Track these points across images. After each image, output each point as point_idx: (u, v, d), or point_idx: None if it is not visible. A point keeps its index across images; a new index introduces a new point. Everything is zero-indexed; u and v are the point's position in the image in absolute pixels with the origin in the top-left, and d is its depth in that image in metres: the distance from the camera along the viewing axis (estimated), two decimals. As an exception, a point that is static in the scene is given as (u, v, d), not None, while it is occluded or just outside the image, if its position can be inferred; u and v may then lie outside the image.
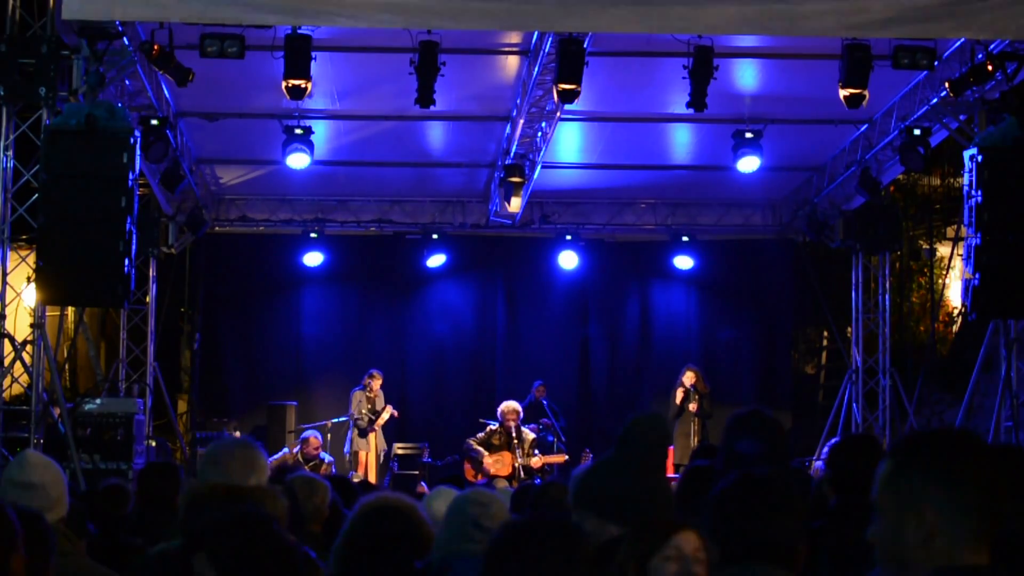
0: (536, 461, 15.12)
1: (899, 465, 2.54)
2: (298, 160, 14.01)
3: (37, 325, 11.05)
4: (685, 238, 17.97)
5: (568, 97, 11.57)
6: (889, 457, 2.57)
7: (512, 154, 14.80)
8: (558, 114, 13.35)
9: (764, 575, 3.02)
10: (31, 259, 11.03)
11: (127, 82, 12.28)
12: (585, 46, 11.27)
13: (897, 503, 2.50)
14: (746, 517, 3.09)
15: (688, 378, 16.00)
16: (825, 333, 21.22)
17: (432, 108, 11.75)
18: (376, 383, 16.18)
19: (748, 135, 14.00)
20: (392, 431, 16.68)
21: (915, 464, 2.52)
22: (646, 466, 3.72)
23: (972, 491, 2.47)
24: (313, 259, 17.76)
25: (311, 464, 14.89)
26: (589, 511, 3.62)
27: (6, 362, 11.16)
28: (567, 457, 15.72)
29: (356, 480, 14.74)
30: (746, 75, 13.26)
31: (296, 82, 11.30)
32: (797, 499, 3.15)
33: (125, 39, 10.94)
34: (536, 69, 12.08)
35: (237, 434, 16.22)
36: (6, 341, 11.14)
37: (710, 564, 3.12)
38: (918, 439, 2.57)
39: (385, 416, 16.12)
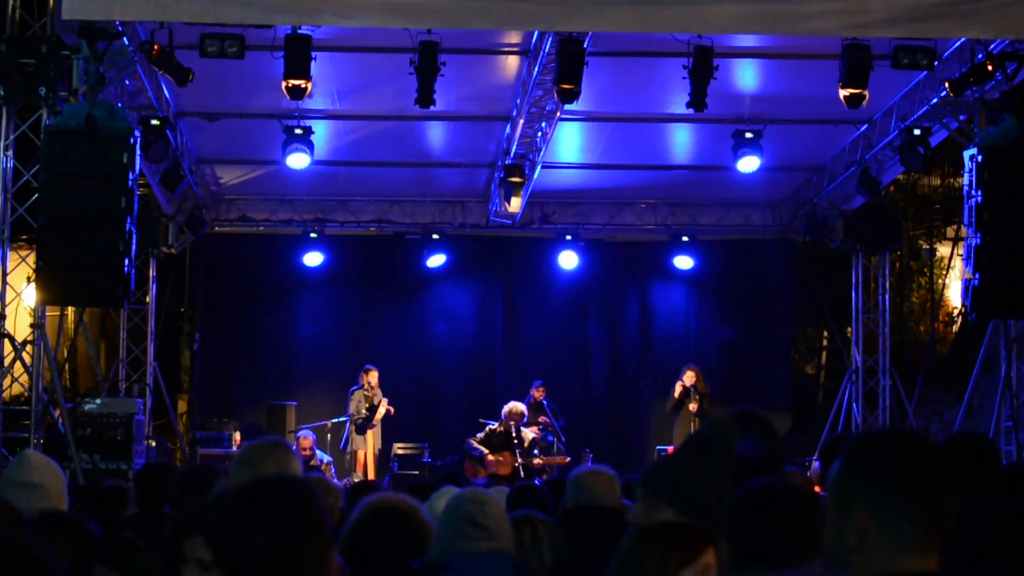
0: (538, 461, 15.09)
1: (841, 466, 2.51)
2: (298, 160, 14.01)
3: (37, 325, 11.05)
4: (685, 238, 17.96)
5: (568, 97, 11.57)
6: (839, 457, 2.56)
7: (512, 154, 14.80)
8: (558, 114, 13.35)
9: None
10: (31, 259, 11.04)
11: (127, 82, 12.28)
12: (585, 46, 11.27)
13: (837, 505, 2.48)
14: (769, 523, 3.06)
15: (688, 377, 16.01)
16: (825, 333, 21.22)
17: (432, 108, 11.75)
18: (372, 377, 16.12)
19: (748, 135, 14.00)
20: (391, 431, 16.66)
21: (854, 466, 2.48)
22: (718, 467, 3.73)
23: (909, 496, 2.41)
24: (313, 259, 17.75)
25: (308, 465, 14.86)
26: (665, 502, 3.62)
27: (6, 362, 11.16)
28: (569, 459, 15.70)
29: (356, 480, 14.77)
30: (746, 75, 13.26)
31: (296, 82, 11.30)
32: (819, 513, 3.00)
33: (125, 39, 10.94)
34: (536, 69, 12.08)
35: (237, 435, 16.23)
36: (6, 341, 11.14)
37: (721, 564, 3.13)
38: (862, 440, 2.54)
39: (382, 411, 16.08)
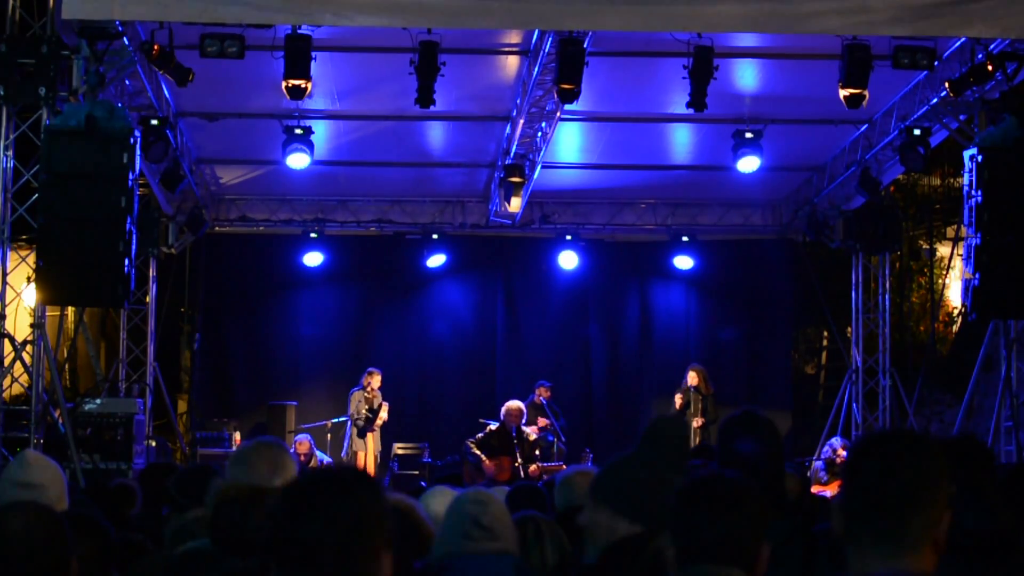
0: (533, 468, 14.92)
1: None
2: (298, 160, 14.01)
3: (37, 325, 11.05)
4: (685, 238, 17.96)
5: (568, 97, 11.56)
6: None
7: (512, 154, 14.80)
8: (558, 114, 13.35)
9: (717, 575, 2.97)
10: (31, 259, 11.04)
11: (127, 82, 12.28)
12: (585, 46, 11.27)
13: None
14: (702, 516, 3.00)
15: (692, 378, 15.89)
16: (825, 333, 21.23)
17: (432, 108, 11.74)
18: (375, 381, 16.10)
19: (748, 135, 14.00)
20: (391, 431, 16.65)
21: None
22: (664, 466, 3.72)
23: (869, 494, 2.44)
24: (313, 259, 17.75)
25: (308, 467, 14.86)
26: (606, 505, 3.63)
27: (6, 362, 11.16)
28: (565, 467, 15.61)
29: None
30: (746, 75, 13.25)
31: (296, 82, 11.30)
32: (755, 500, 3.06)
33: (125, 39, 10.94)
34: (536, 69, 12.08)
35: (237, 435, 16.23)
36: (6, 341, 11.14)
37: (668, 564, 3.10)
38: (862, 438, 2.57)
39: (383, 415, 16.07)
